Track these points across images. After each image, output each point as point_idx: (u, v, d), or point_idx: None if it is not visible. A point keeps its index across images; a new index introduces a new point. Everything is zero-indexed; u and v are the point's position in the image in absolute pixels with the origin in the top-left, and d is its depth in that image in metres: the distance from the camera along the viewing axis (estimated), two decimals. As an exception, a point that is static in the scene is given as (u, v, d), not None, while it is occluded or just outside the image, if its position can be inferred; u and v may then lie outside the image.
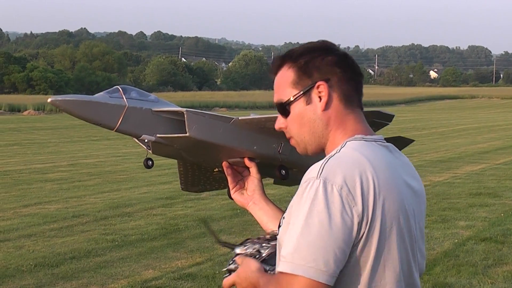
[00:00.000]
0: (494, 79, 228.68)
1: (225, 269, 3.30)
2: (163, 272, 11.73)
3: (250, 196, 3.88)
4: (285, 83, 3.23)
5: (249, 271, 3.14)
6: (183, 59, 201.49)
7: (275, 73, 3.29)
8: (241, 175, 3.98)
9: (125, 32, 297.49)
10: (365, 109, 3.25)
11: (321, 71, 3.15)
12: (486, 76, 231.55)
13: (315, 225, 2.82)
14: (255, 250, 3.29)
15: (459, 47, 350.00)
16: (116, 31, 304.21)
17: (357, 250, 2.89)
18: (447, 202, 18.75)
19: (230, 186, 3.94)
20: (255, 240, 3.36)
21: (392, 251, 2.99)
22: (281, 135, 3.47)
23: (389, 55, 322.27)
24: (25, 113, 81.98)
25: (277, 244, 3.10)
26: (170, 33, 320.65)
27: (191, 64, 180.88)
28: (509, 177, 24.41)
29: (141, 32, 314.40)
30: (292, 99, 3.17)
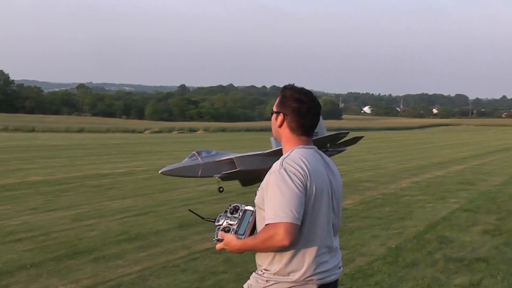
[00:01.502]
0: (470, 114, 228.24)
1: (214, 240, 3.52)
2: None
3: None
4: (276, 100, 3.76)
5: (230, 242, 3.43)
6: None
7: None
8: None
9: (254, 86, 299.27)
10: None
11: (285, 108, 3.62)
12: (466, 112, 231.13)
13: (288, 192, 3.27)
14: (227, 223, 3.51)
15: (450, 94, 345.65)
16: (250, 85, 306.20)
17: (305, 205, 3.31)
18: (443, 187, 18.47)
19: None
20: (222, 215, 3.57)
21: (322, 208, 3.40)
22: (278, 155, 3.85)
23: (409, 99, 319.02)
24: (198, 132, 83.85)
25: (255, 206, 3.51)
26: (281, 86, 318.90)
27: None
28: (480, 173, 23.98)
29: (264, 86, 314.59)
30: (272, 111, 3.72)
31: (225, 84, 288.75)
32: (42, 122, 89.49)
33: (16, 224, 11.54)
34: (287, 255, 3.34)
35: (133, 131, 78.14)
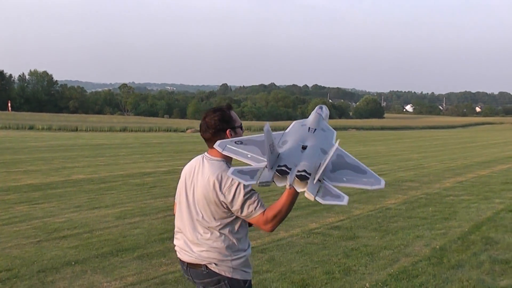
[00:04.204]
0: None
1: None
2: (321, 224, 11.72)
3: None
4: None
5: None
6: (330, 100, 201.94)
7: None
8: None
9: (296, 85, 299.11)
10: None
11: None
12: (509, 110, 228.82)
13: None
14: None
15: (493, 92, 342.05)
16: (291, 84, 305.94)
17: None
18: (488, 187, 18.21)
19: None
20: None
21: (181, 203, 4.12)
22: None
23: (451, 97, 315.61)
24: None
25: None
26: (322, 85, 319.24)
27: (335, 103, 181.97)
28: (527, 172, 23.67)
29: (306, 85, 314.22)
30: None
31: (266, 83, 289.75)
32: (85, 121, 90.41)
33: (61, 222, 11.69)
34: None
35: (175, 130, 78.50)
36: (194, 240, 3.98)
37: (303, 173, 3.37)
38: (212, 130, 4.03)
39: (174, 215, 4.26)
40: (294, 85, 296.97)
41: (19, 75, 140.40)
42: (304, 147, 3.61)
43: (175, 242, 4.17)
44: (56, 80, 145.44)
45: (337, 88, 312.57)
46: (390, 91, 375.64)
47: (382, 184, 3.44)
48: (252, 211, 3.82)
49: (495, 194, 16.67)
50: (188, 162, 4.25)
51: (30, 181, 18.46)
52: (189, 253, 4.01)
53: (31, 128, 70.75)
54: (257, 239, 9.87)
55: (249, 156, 3.69)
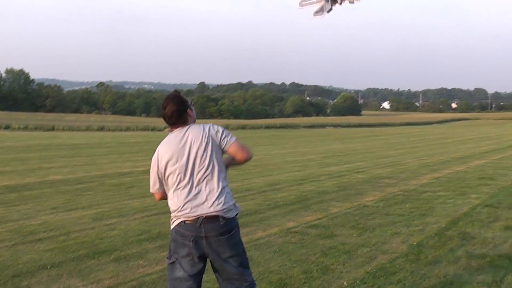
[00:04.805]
0: (489, 108, 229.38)
1: None
2: (299, 223, 11.68)
3: None
4: None
5: None
6: (307, 98, 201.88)
7: None
8: None
9: (273, 83, 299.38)
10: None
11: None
12: (485, 106, 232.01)
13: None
14: None
15: (468, 88, 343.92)
16: (269, 82, 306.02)
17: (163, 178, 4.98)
18: (464, 183, 18.31)
19: None
20: None
21: (187, 174, 4.83)
22: None
23: (428, 94, 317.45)
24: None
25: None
26: (300, 83, 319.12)
27: (313, 101, 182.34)
28: (501, 167, 23.76)
29: (283, 83, 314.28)
30: None
31: (244, 81, 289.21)
32: (62, 120, 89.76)
33: (37, 224, 11.55)
34: None
35: (153, 129, 78.12)
36: (208, 197, 4.79)
37: None
38: (176, 114, 4.94)
39: (157, 199, 5.14)
40: (271, 83, 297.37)
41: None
42: None
43: (182, 213, 4.82)
44: (33, 79, 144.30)
45: (315, 85, 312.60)
46: (367, 88, 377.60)
47: None
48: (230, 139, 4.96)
49: (471, 189, 16.77)
50: (157, 150, 5.09)
51: (6, 182, 18.27)
52: (206, 208, 4.79)
53: (7, 127, 70.06)
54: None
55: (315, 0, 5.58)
